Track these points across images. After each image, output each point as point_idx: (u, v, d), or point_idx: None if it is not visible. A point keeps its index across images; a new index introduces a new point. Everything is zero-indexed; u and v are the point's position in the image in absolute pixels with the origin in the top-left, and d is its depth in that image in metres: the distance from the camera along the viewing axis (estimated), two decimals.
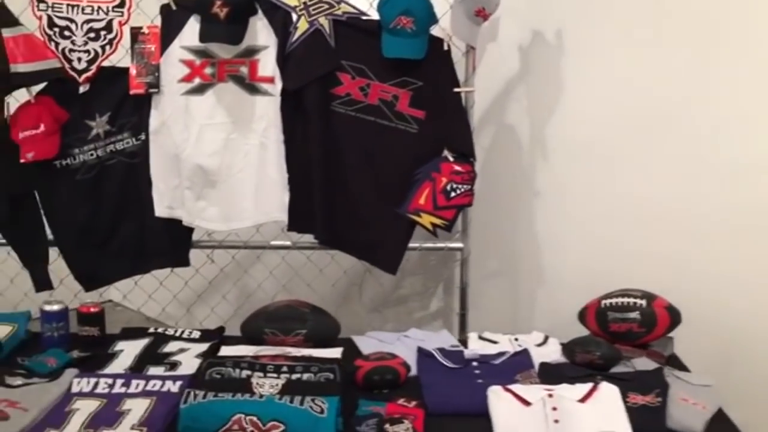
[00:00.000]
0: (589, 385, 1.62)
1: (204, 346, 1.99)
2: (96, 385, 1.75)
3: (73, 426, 1.58)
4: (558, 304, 2.42)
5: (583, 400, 1.58)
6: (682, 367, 1.88)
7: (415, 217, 2.18)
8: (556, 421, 1.52)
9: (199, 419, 1.54)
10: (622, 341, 1.91)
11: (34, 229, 2.29)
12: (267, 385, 1.63)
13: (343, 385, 1.67)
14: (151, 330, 2.08)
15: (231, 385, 1.62)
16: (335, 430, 1.53)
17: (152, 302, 2.96)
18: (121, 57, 2.21)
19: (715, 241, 2.10)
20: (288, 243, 2.42)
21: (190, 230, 2.35)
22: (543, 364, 1.83)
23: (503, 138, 2.48)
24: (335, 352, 1.85)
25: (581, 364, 1.82)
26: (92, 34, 2.17)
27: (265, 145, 2.22)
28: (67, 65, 2.17)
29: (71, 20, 2.16)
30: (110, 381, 1.75)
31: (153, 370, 1.87)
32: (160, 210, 2.29)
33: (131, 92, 2.21)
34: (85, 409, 1.65)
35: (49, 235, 2.31)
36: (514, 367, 1.79)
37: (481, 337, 2.02)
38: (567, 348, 1.89)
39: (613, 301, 1.94)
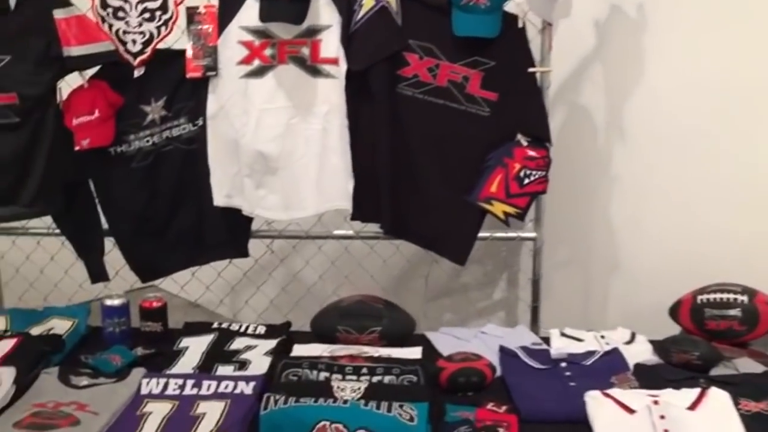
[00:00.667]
0: (696, 391, 1.51)
1: (271, 343, 1.90)
2: (166, 386, 1.67)
3: (147, 431, 1.50)
4: (634, 296, 2.31)
5: (692, 407, 1.47)
6: None
7: (486, 205, 2.07)
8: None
9: (281, 426, 1.45)
10: (720, 340, 1.78)
11: (89, 218, 2.22)
12: (348, 389, 1.53)
13: (428, 389, 1.56)
14: (215, 325, 1.99)
15: (311, 389, 1.53)
16: None
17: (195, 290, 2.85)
18: (176, 38, 2.11)
19: None
20: (351, 232, 2.31)
21: (250, 220, 2.26)
22: (638, 366, 1.71)
23: (577, 120, 2.34)
24: (415, 352, 1.76)
25: (677, 365, 1.70)
26: (147, 15, 2.07)
27: (327, 130, 2.11)
28: (121, 47, 2.07)
29: (125, 0, 2.06)
30: (180, 382, 1.67)
31: (222, 369, 1.78)
32: (219, 199, 2.20)
33: (188, 76, 2.11)
34: (157, 412, 1.57)
35: (105, 225, 2.23)
36: (608, 369, 1.68)
37: (563, 334, 1.91)
38: (661, 347, 1.78)
39: (711, 296, 1.82)
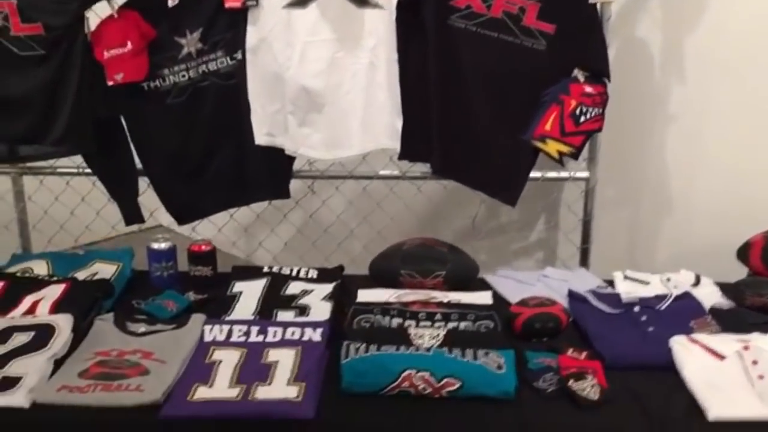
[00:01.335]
0: None
1: (327, 288, 1.84)
2: (230, 333, 1.61)
3: (221, 380, 1.45)
4: (685, 238, 2.27)
5: None
6: None
7: (540, 144, 2.00)
8: (761, 377, 1.38)
9: (365, 375, 1.40)
10: None
11: (122, 158, 2.12)
12: (427, 336, 1.48)
13: (508, 336, 1.52)
14: (266, 270, 1.92)
15: (389, 336, 1.47)
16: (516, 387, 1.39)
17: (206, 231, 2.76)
18: None
19: None
20: (396, 173, 2.23)
21: (291, 159, 2.17)
22: (714, 310, 1.67)
23: (632, 54, 2.24)
24: (485, 297, 1.70)
25: (752, 309, 1.66)
26: None
27: (374, 64, 2.01)
28: None
29: None
30: (244, 328, 1.61)
31: (282, 315, 1.72)
32: (260, 137, 2.10)
33: (226, 5, 1.97)
34: (227, 360, 1.51)
35: (139, 165, 2.13)
36: (685, 313, 1.64)
37: (627, 277, 1.86)
38: (735, 290, 1.74)
39: None
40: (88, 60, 1.94)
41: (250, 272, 1.91)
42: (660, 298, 1.71)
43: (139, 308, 1.73)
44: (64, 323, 1.57)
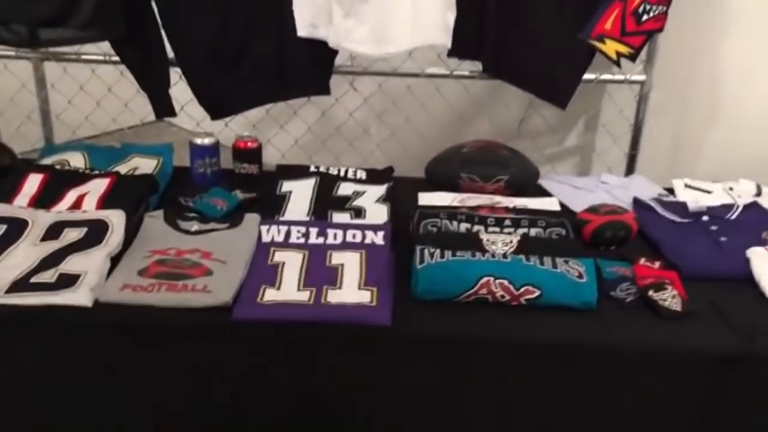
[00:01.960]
0: None
1: (379, 189, 1.77)
2: (288, 234, 1.54)
3: (289, 283, 1.40)
4: (732, 148, 2.20)
5: None
6: None
7: (598, 43, 1.90)
8: None
9: (441, 282, 1.36)
10: None
11: (153, 46, 1.97)
12: (500, 243, 1.42)
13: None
14: (312, 169, 1.83)
15: (461, 242, 1.42)
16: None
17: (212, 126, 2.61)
18: None
19: None
20: (444, 71, 2.12)
21: (334, 53, 2.04)
22: None
23: None
24: (553, 203, 1.65)
25: None
26: None
27: None
28: None
29: None
30: (303, 230, 1.55)
31: (338, 217, 1.66)
32: (302, 28, 1.96)
33: None
34: (290, 262, 1.46)
35: (170, 54, 1.99)
36: (756, 224, 1.60)
37: (687, 186, 1.81)
38: None
39: None
40: None
41: (297, 171, 1.83)
42: (727, 207, 1.67)
43: (188, 206, 1.65)
44: (117, 219, 1.49)
